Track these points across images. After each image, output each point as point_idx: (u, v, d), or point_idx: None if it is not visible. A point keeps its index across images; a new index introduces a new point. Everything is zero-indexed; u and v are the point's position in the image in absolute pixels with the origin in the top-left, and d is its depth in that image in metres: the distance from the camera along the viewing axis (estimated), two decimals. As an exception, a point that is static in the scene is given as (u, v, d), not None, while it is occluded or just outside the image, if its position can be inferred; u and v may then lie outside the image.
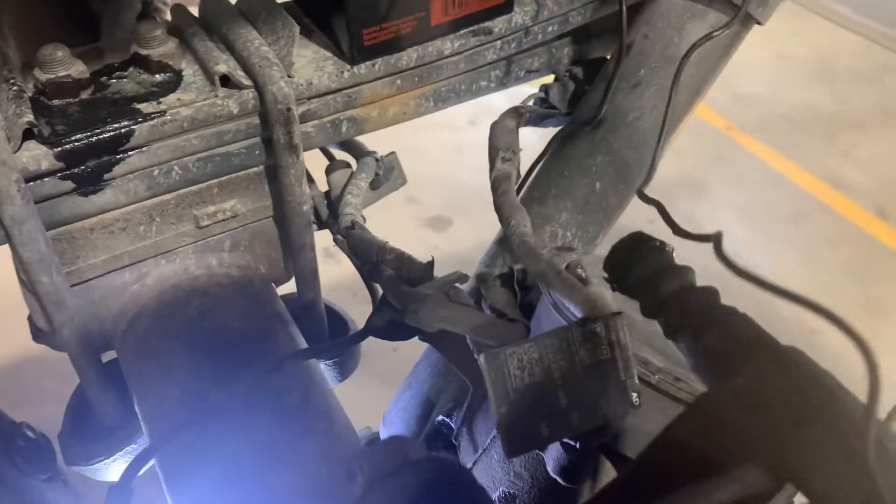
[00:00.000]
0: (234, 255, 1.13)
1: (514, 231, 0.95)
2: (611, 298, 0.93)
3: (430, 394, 1.26)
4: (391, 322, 1.01)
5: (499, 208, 0.99)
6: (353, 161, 1.29)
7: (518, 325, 0.89)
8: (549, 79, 1.29)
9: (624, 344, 0.84)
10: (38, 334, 1.06)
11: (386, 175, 1.28)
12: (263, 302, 1.10)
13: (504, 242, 1.25)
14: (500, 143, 1.08)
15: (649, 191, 0.94)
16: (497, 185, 1.02)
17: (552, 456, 0.94)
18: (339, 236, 1.10)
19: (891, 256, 3.84)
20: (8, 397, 2.81)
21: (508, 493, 1.02)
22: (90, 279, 1.03)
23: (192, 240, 1.08)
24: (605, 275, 0.79)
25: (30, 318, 1.05)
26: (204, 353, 1.00)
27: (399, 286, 0.95)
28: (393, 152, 1.30)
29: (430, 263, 0.99)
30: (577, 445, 0.86)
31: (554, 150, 1.19)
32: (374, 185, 1.26)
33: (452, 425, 1.15)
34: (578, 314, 0.90)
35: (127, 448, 1.12)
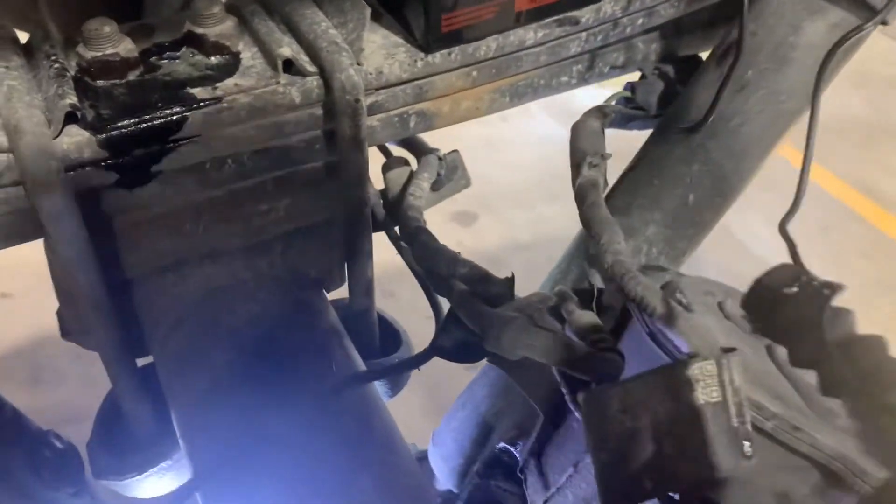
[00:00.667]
0: (286, 259, 1.03)
1: (606, 248, 0.84)
2: (717, 330, 0.82)
3: (488, 416, 1.16)
4: (462, 343, 0.91)
5: (587, 221, 0.89)
6: (410, 158, 1.18)
7: (614, 357, 0.78)
8: (632, 77, 1.18)
9: (737, 386, 0.73)
10: (68, 331, 0.97)
11: (448, 175, 1.17)
12: (316, 312, 1.00)
13: (578, 257, 1.15)
14: (586, 147, 0.97)
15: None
16: (584, 194, 0.91)
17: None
18: (401, 242, 1.00)
19: (925, 270, 3.68)
20: (24, 378, 2.74)
21: (585, 534, 0.92)
22: (129, 279, 0.94)
23: (241, 240, 0.98)
24: (741, 311, 0.68)
25: (59, 314, 0.96)
26: (254, 367, 0.90)
27: (476, 305, 0.84)
28: (455, 150, 1.19)
29: (511, 280, 0.88)
30: (678, 498, 0.76)
31: (641, 156, 1.08)
32: (436, 185, 1.15)
33: (516, 455, 1.05)
34: (684, 348, 0.79)
35: (162, 464, 1.03)
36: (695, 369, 0.72)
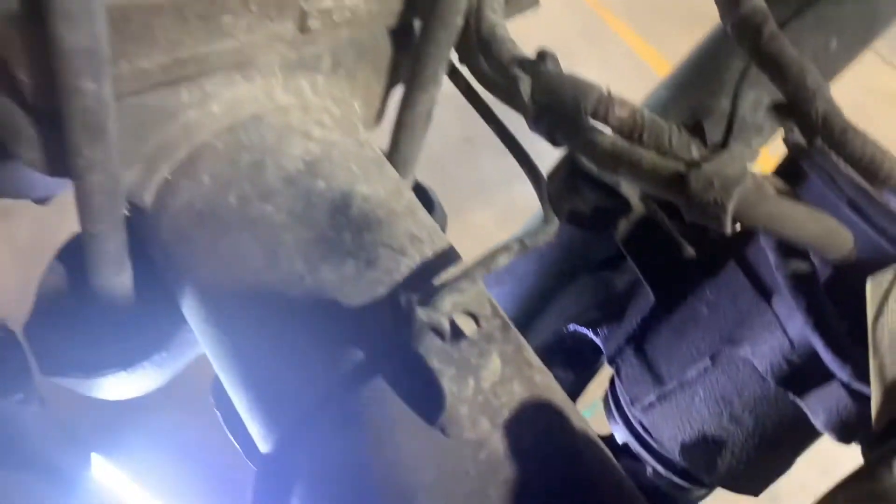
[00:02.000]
0: (331, 81, 0.75)
1: (814, 93, 0.66)
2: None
3: (541, 290, 0.97)
4: (598, 208, 0.70)
5: (769, 58, 0.69)
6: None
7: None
8: None
9: None
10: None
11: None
12: (381, 161, 0.74)
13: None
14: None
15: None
16: (756, 24, 0.71)
17: (826, 406, 0.69)
18: (516, 71, 0.74)
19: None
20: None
21: (715, 437, 0.76)
22: (132, 93, 0.63)
23: (287, 48, 0.69)
24: None
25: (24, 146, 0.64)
26: (327, 239, 0.64)
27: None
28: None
29: (700, 126, 0.67)
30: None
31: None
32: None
33: (597, 340, 0.87)
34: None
35: (155, 357, 0.75)
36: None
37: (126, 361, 0.73)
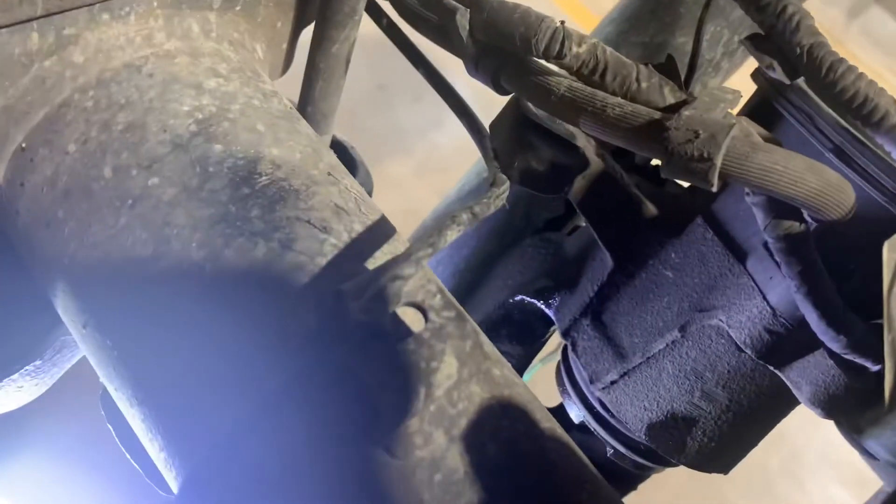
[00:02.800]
0: (226, 20, 0.62)
1: (796, 23, 0.56)
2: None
3: (482, 256, 0.87)
4: (555, 165, 0.60)
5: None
6: None
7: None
8: None
9: None
10: None
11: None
12: (293, 116, 0.62)
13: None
14: None
15: None
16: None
17: (811, 378, 0.61)
18: (451, 2, 0.62)
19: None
20: None
21: (685, 415, 0.69)
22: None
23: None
24: None
25: None
26: (230, 217, 0.52)
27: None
28: None
29: (673, 64, 0.57)
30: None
31: None
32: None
33: (547, 312, 0.78)
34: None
35: (28, 367, 0.61)
36: None
37: (-10, 375, 0.60)
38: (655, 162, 0.72)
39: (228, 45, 0.62)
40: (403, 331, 0.46)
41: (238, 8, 0.62)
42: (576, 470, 0.51)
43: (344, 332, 0.44)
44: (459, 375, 0.47)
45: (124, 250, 0.52)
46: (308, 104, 0.72)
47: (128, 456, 0.62)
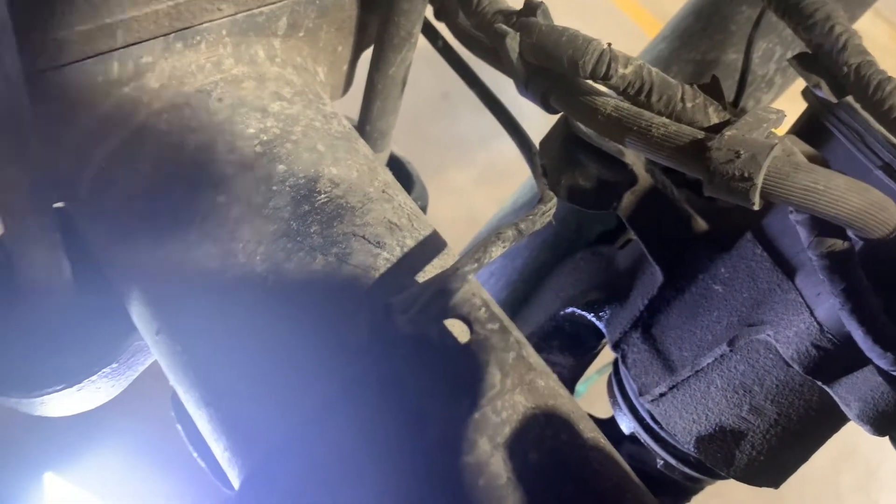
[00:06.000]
0: (290, 45, 0.66)
1: (843, 41, 0.57)
2: None
3: (534, 268, 0.89)
4: (602, 182, 0.61)
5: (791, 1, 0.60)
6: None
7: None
8: None
9: None
10: None
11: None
12: (351, 136, 0.65)
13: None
14: None
15: None
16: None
17: (860, 395, 0.62)
18: (502, 26, 0.64)
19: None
20: None
21: (734, 429, 0.69)
22: (49, 68, 0.53)
23: (234, 8, 0.59)
24: None
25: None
26: (291, 232, 0.55)
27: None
28: None
29: (717, 84, 0.58)
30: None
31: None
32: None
33: (598, 324, 0.79)
34: None
35: (105, 370, 0.66)
36: None
37: (71, 377, 0.64)
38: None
39: (292, 69, 0.66)
40: (449, 342, 0.48)
41: (301, 34, 0.66)
42: (618, 479, 0.53)
43: (393, 342, 0.47)
44: (503, 385, 0.49)
45: (194, 263, 0.56)
46: (367, 123, 0.75)
47: (194, 455, 0.66)
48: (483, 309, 0.50)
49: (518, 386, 0.51)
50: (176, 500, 1.23)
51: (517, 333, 0.53)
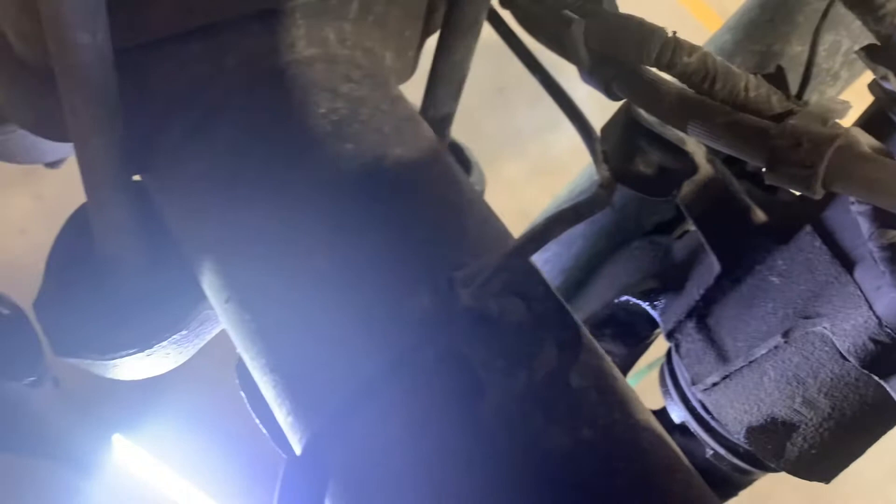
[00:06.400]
0: (359, 29, 0.68)
1: None
2: None
3: (590, 256, 0.90)
4: (661, 170, 0.63)
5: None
6: None
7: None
8: None
9: None
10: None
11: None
12: (415, 119, 0.67)
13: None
14: None
15: None
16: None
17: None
18: (568, 13, 0.66)
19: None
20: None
21: (786, 420, 0.69)
22: (135, 46, 0.56)
23: (309, -10, 0.62)
24: None
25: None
26: (357, 209, 0.57)
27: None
28: None
29: (781, 74, 0.59)
30: None
31: None
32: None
33: (652, 313, 0.80)
34: None
35: (174, 336, 0.69)
36: None
37: (143, 341, 0.67)
38: (766, 169, 0.73)
39: (361, 52, 0.68)
40: (508, 317, 0.50)
41: (371, 18, 0.68)
42: (669, 460, 0.54)
43: (455, 315, 0.49)
44: (559, 362, 0.50)
45: (265, 235, 0.58)
46: (429, 108, 0.77)
47: (256, 420, 0.69)
48: (541, 287, 0.51)
49: (573, 364, 0.53)
50: (233, 466, 1.28)
51: (572, 314, 0.55)
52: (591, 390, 0.53)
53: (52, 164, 0.89)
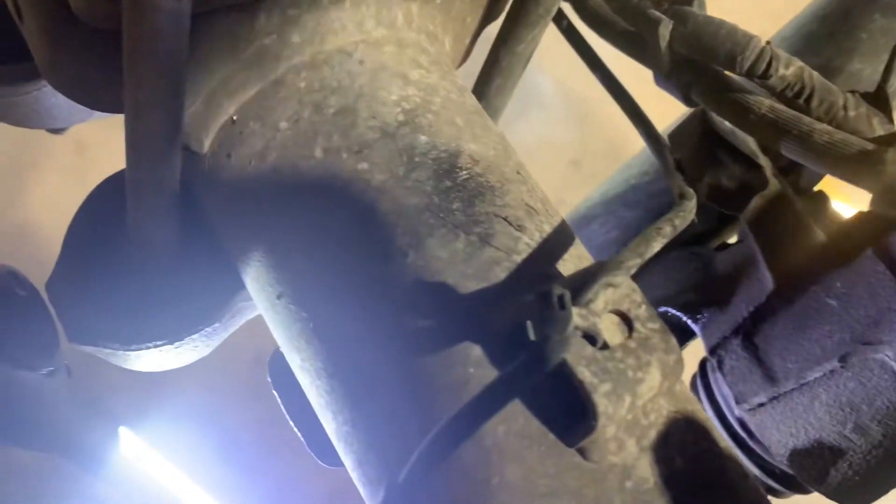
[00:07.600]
0: (425, 12, 0.63)
1: None
2: None
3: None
4: (745, 184, 0.60)
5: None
6: None
7: None
8: None
9: None
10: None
11: None
12: (482, 112, 0.63)
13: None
14: None
15: None
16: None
17: None
18: (654, 12, 0.62)
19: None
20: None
21: (833, 446, 0.68)
22: (201, 13, 0.51)
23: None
24: None
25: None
26: (433, 207, 0.53)
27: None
28: None
29: (883, 94, 0.56)
30: None
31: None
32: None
33: (694, 327, 0.78)
34: None
35: (206, 329, 0.64)
36: None
37: (175, 333, 0.62)
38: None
39: (426, 36, 0.63)
40: (614, 338, 0.46)
41: (438, 1, 0.63)
42: (754, 493, 0.51)
43: (555, 332, 0.45)
44: (660, 388, 0.47)
45: (329, 230, 0.54)
46: (482, 98, 0.73)
47: (291, 423, 0.64)
48: (643, 307, 0.48)
49: (664, 390, 0.50)
50: (236, 461, 1.22)
51: (674, 337, 0.52)
52: (678, 417, 0.50)
53: (57, 131, 0.82)
